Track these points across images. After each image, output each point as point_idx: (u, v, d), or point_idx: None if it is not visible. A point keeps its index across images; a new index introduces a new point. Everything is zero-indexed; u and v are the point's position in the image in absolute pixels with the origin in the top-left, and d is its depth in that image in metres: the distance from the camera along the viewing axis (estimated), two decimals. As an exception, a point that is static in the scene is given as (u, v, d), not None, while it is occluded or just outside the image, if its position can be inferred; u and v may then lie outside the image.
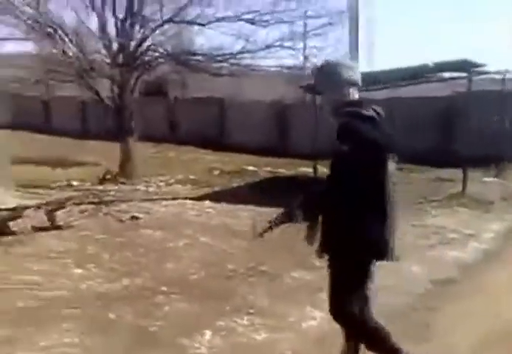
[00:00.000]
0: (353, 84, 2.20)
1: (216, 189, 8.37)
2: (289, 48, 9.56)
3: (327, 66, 2.24)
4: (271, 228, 2.28)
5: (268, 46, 8.95)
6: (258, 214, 5.21)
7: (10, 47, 11.28)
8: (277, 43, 9.02)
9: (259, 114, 13.45)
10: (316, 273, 4.12)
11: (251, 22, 8.99)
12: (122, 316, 3.49)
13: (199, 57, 9.21)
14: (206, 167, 9.80)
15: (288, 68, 9.66)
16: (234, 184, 8.91)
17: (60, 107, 19.13)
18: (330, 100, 2.21)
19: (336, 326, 2.45)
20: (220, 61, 9.15)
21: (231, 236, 5.29)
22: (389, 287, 3.51)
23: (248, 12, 8.91)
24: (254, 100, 14.00)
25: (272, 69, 9.65)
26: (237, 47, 9.06)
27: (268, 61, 9.47)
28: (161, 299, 3.78)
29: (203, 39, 10.25)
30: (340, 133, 2.08)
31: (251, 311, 3.54)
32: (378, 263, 2.34)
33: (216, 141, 13.62)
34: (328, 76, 2.20)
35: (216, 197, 7.26)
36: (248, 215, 5.87)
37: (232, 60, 8.97)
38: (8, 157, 7.80)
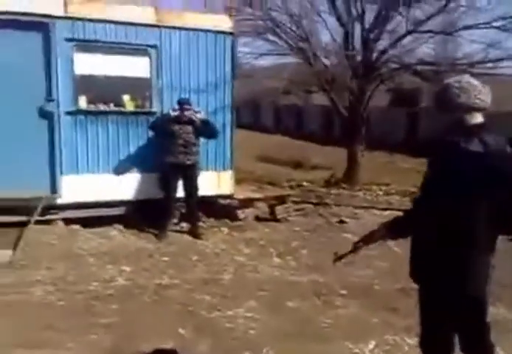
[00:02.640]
0: (469, 108, 2.01)
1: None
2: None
3: (440, 88, 2.10)
4: (351, 251, 2.36)
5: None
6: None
7: (267, 61, 12.98)
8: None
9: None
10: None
11: (504, 29, 8.19)
12: (299, 307, 3.86)
13: (438, 67, 8.84)
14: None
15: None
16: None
17: (309, 114, 20.95)
18: (444, 122, 2.10)
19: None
20: (463, 70, 8.57)
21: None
22: None
23: (498, 19, 8.16)
24: (505, 111, 12.47)
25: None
26: (484, 55, 8.36)
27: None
28: (338, 300, 4.00)
29: (450, 48, 9.76)
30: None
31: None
32: None
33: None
34: (440, 98, 2.08)
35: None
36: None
37: (474, 69, 8.31)
38: (251, 156, 8.97)
